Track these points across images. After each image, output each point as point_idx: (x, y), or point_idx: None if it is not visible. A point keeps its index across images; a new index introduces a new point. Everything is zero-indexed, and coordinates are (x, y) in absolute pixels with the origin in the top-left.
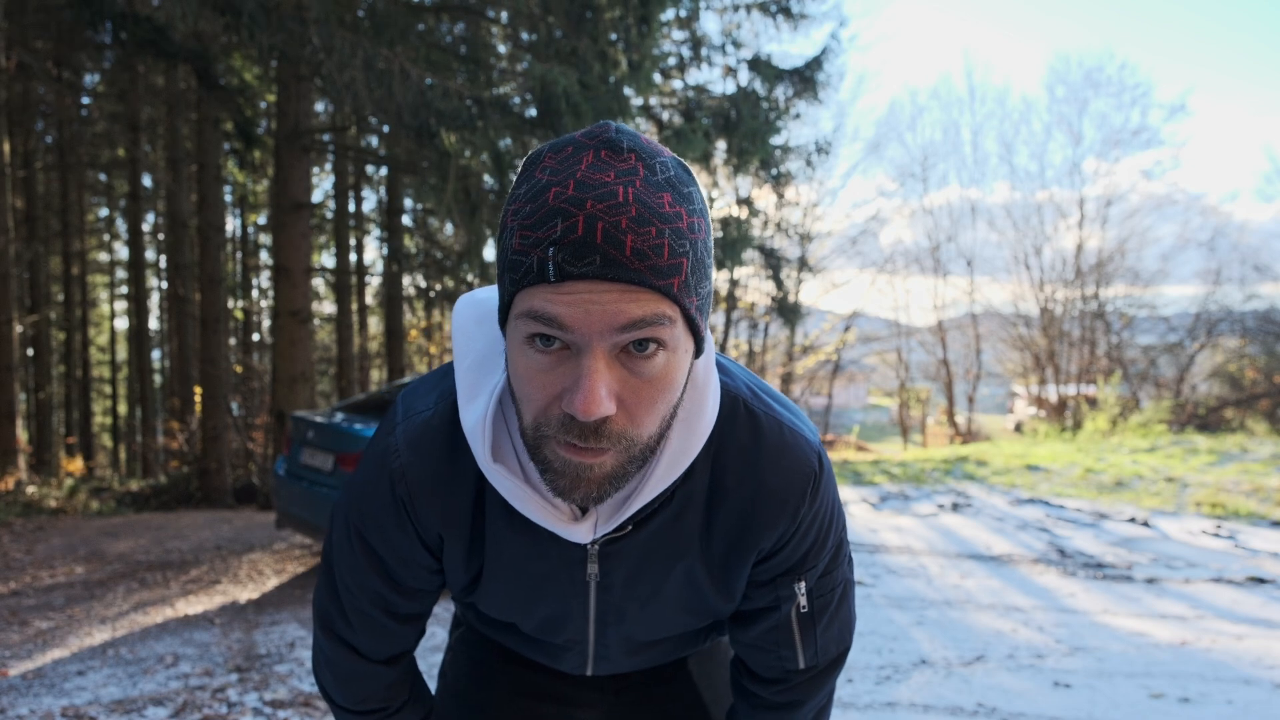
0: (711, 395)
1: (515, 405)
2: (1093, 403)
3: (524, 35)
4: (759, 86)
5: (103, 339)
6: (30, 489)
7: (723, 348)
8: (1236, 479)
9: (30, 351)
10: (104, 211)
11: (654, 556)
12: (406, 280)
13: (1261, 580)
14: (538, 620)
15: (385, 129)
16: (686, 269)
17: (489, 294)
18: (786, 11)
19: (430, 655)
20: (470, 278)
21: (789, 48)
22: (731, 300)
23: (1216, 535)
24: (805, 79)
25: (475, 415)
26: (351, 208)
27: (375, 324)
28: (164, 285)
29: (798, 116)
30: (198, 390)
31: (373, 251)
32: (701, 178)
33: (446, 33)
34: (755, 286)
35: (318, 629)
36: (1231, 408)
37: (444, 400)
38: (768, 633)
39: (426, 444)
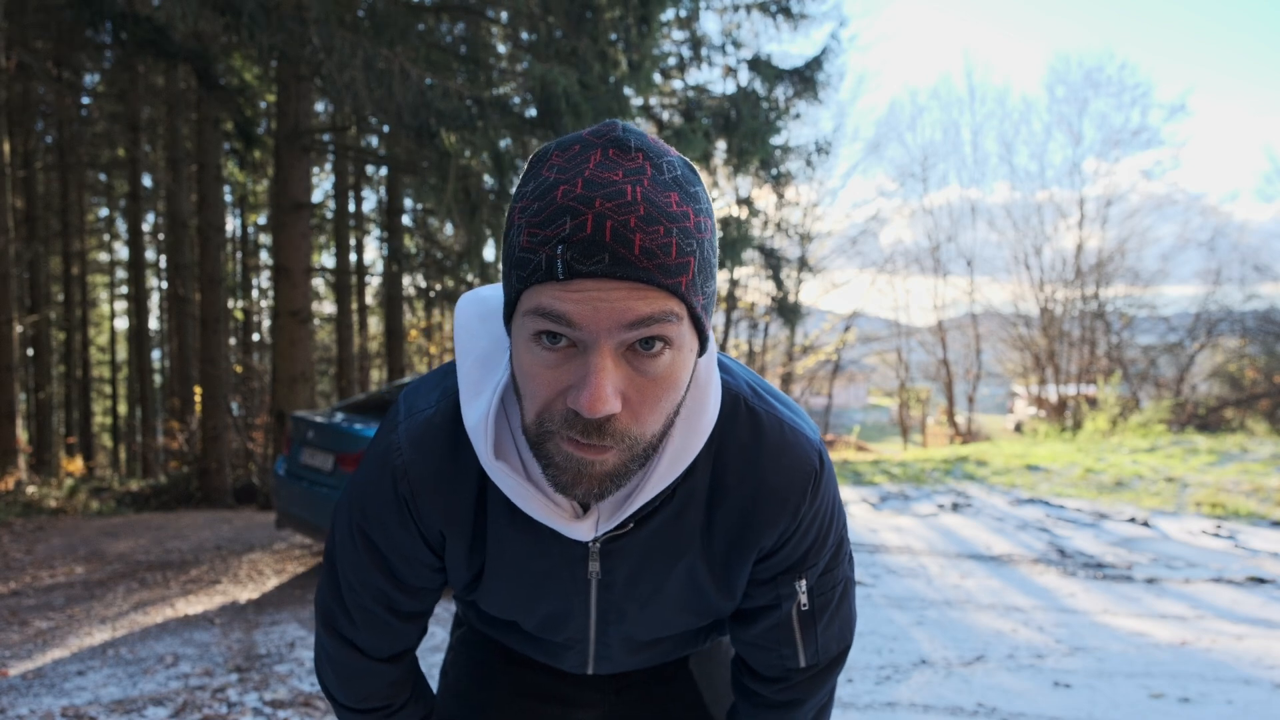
0: (713, 393)
1: (518, 401)
2: (1093, 403)
3: (524, 35)
4: (759, 86)
5: (103, 339)
6: (30, 489)
7: (723, 347)
8: (1236, 479)
9: (30, 351)
10: (104, 211)
11: (655, 554)
12: (406, 280)
13: (1261, 580)
14: (539, 618)
15: (385, 129)
16: (693, 268)
17: (491, 292)
18: (786, 11)
19: (430, 655)
20: (470, 278)
21: (789, 48)
22: (731, 300)
23: (1216, 535)
24: (805, 79)
25: (478, 413)
26: (351, 208)
27: (375, 324)
28: (164, 285)
29: (798, 116)
30: (198, 390)
31: (373, 251)
32: (702, 178)
33: (446, 33)
34: (755, 286)
35: (320, 627)
36: (1231, 408)
37: (446, 398)
38: (769, 631)
39: (429, 442)
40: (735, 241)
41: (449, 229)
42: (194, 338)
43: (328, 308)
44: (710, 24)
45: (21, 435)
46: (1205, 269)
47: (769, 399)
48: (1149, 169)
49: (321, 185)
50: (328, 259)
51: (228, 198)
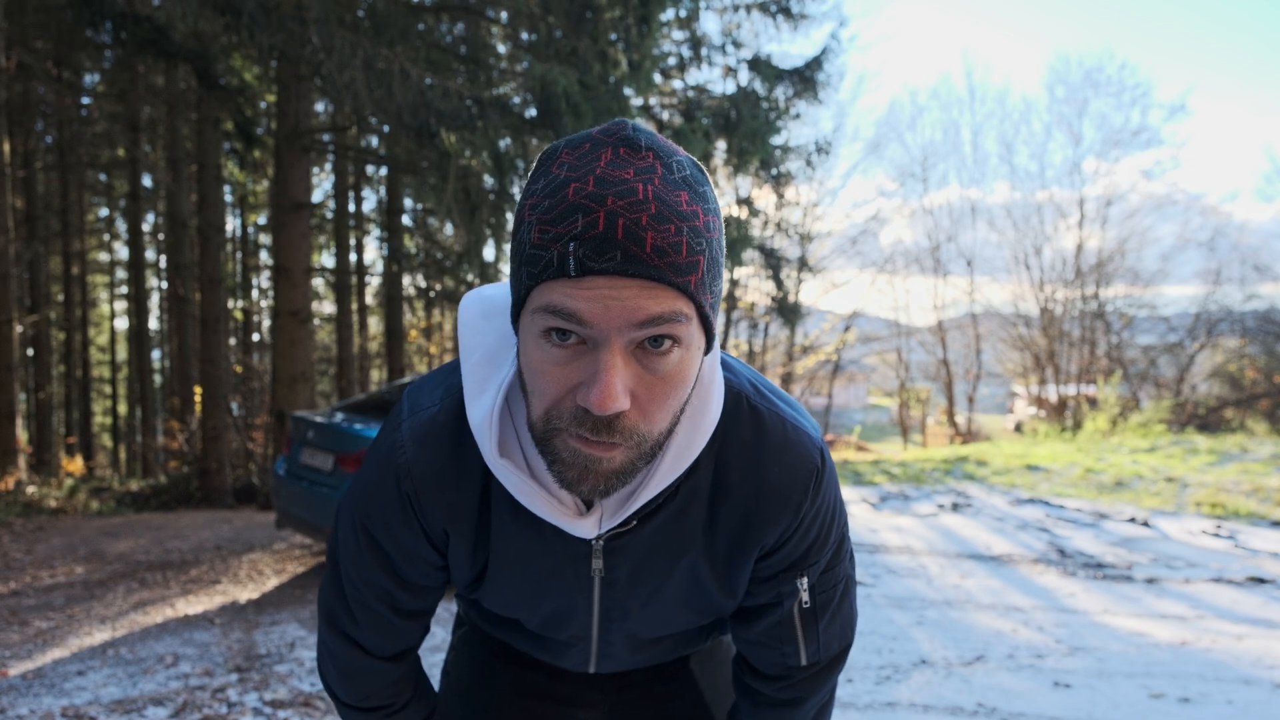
0: (716, 391)
1: (525, 398)
2: (1093, 403)
3: (524, 35)
4: (759, 86)
5: (103, 339)
6: (30, 489)
7: (723, 347)
8: (1236, 479)
9: (30, 351)
10: (104, 211)
11: (658, 552)
12: (406, 280)
13: (1261, 580)
14: (542, 616)
15: (385, 129)
16: (703, 267)
17: (495, 290)
18: (786, 11)
19: (430, 655)
20: (470, 278)
21: (789, 48)
22: (731, 300)
23: (1216, 535)
24: (805, 79)
25: (482, 410)
26: (351, 208)
27: (375, 324)
28: (164, 285)
29: (798, 116)
30: (198, 390)
31: (373, 251)
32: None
33: (446, 33)
34: (755, 286)
35: (323, 625)
36: (1231, 408)
37: (450, 396)
38: (770, 629)
39: (432, 440)
40: (735, 241)
41: (449, 229)
42: (194, 338)
43: (328, 308)
44: (710, 24)
45: (21, 435)
46: (1205, 269)
47: (771, 397)
48: (1149, 169)
49: (321, 185)
50: (328, 259)
51: (228, 198)
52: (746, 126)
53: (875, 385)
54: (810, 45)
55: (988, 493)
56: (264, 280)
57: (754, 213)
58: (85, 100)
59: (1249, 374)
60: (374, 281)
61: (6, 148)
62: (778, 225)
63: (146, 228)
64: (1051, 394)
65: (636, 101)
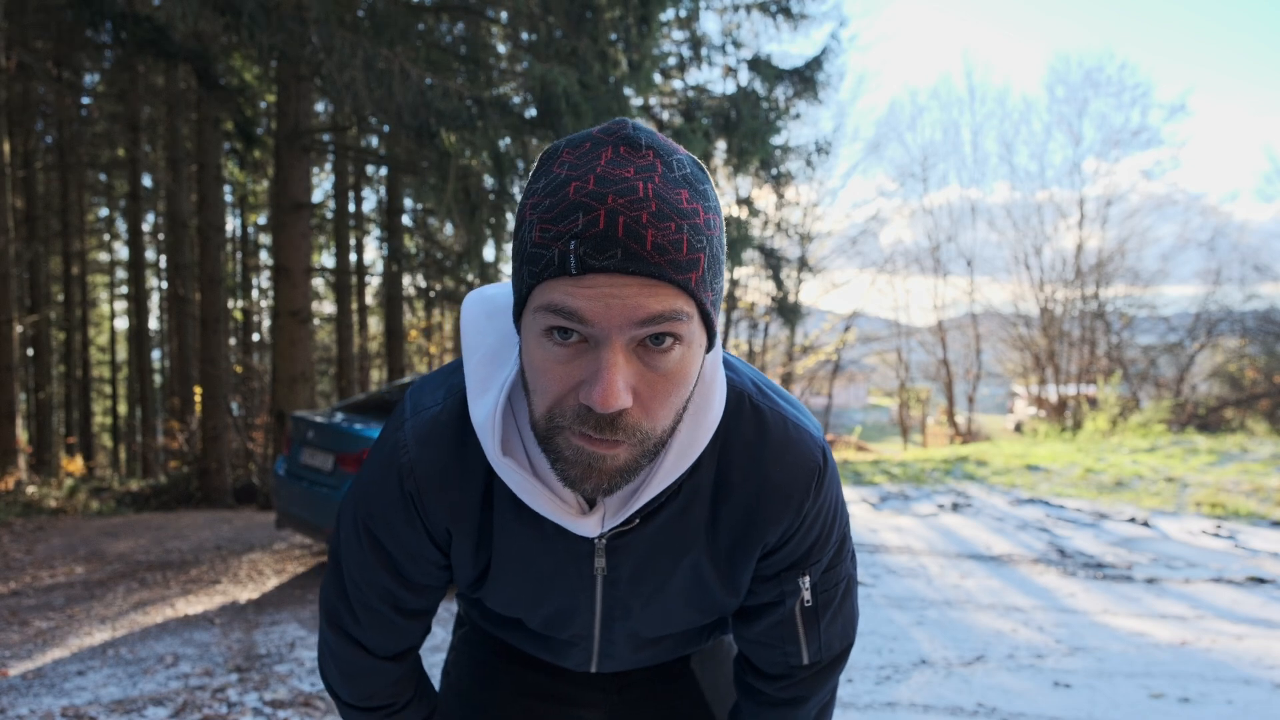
0: (718, 390)
1: (527, 397)
2: (1093, 403)
3: (524, 35)
4: (759, 86)
5: (103, 339)
6: (30, 489)
7: (723, 347)
8: (1236, 479)
9: (30, 351)
10: (104, 211)
11: (660, 551)
12: (406, 280)
13: (1261, 580)
14: (544, 615)
15: (385, 129)
16: (704, 264)
17: (497, 290)
18: (786, 11)
19: (430, 655)
20: (470, 278)
21: (789, 48)
22: (731, 300)
23: (1216, 535)
24: (805, 79)
25: (485, 409)
26: (351, 208)
27: (375, 324)
28: (164, 285)
29: (798, 116)
30: (198, 390)
31: (373, 251)
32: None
33: (446, 33)
34: (755, 286)
35: (324, 625)
36: (1231, 408)
37: (452, 395)
38: (772, 628)
39: (435, 439)
40: (735, 241)
41: (449, 229)
42: (194, 338)
43: (328, 308)
44: (710, 24)
45: (21, 435)
46: (1205, 269)
47: (773, 396)
48: (1149, 169)
49: (321, 185)
50: (328, 259)
51: (228, 198)
52: (746, 126)
53: (875, 385)
54: (810, 45)
55: (988, 493)
56: (264, 280)
57: (754, 213)
58: (85, 100)
59: (1249, 374)
60: (374, 281)
61: (6, 148)
62: (778, 225)
63: (146, 228)
64: (1051, 394)
65: (636, 101)
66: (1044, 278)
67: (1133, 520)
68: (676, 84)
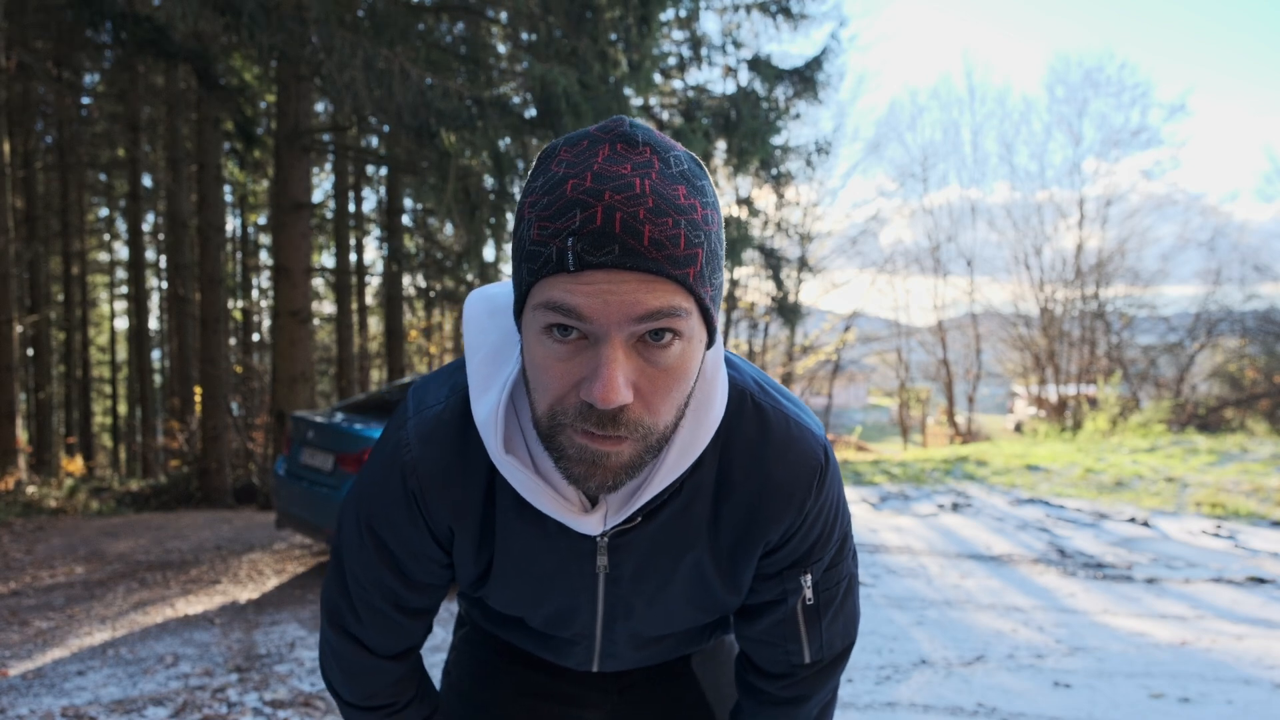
0: (720, 387)
1: (529, 395)
2: (1093, 403)
3: (524, 35)
4: (759, 86)
5: (103, 339)
6: (30, 489)
7: (724, 346)
8: (1236, 479)
9: (30, 351)
10: (104, 211)
11: (662, 548)
12: (406, 280)
13: (1261, 580)
14: (546, 614)
15: (385, 129)
16: (701, 260)
17: (500, 289)
18: (786, 11)
19: (431, 655)
20: (470, 278)
21: (789, 48)
22: (731, 300)
23: (1216, 535)
24: (805, 79)
25: (488, 407)
26: (351, 208)
27: (375, 324)
28: (164, 285)
29: (798, 116)
30: (198, 390)
31: (373, 251)
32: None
33: (446, 33)
34: (755, 286)
35: (326, 624)
36: (1231, 408)
37: (455, 394)
38: (774, 626)
39: (438, 437)
40: (735, 241)
41: (449, 229)
42: (194, 338)
43: (328, 308)
44: (710, 24)
45: (21, 435)
46: (1205, 269)
47: (775, 395)
48: (1149, 169)
49: (321, 185)
50: (328, 259)
51: (228, 198)
52: (746, 126)
53: (875, 385)
54: (810, 45)
55: (988, 493)
56: (264, 280)
57: (754, 213)
58: (85, 100)
59: (1249, 374)
60: (374, 281)
61: (6, 148)
62: (778, 225)
63: (146, 228)
64: (1051, 394)
65: (636, 101)
66: (1044, 278)
67: (1133, 520)
68: (676, 84)
